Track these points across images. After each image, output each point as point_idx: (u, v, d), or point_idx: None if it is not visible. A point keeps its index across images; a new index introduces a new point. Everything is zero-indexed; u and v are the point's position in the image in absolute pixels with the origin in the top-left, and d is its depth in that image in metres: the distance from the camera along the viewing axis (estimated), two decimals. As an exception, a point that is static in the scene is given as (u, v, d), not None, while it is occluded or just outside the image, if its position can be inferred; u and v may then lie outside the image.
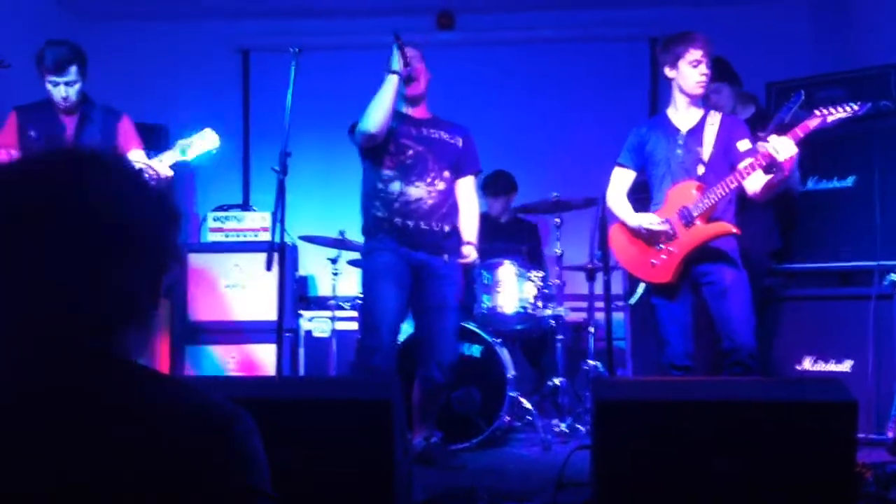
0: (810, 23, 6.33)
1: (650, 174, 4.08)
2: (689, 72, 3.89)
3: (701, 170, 3.89)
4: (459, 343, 4.39)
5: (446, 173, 4.00)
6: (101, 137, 4.22)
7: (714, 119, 3.97)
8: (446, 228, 3.98)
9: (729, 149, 3.90)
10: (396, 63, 3.85)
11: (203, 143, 4.23)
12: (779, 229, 4.61)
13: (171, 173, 4.21)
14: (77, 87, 4.17)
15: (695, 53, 3.87)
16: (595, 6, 6.56)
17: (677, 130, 3.99)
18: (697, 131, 3.96)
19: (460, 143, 4.08)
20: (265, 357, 5.23)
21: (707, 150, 3.91)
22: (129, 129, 4.39)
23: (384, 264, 3.91)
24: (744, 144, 3.88)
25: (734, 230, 3.82)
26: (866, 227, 4.33)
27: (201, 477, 1.00)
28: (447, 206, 4.00)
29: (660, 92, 6.27)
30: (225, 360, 5.35)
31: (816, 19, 6.31)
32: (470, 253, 4.10)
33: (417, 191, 3.91)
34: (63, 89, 4.14)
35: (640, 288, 4.18)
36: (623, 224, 4.11)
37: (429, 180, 3.94)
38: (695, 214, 3.83)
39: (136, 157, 4.27)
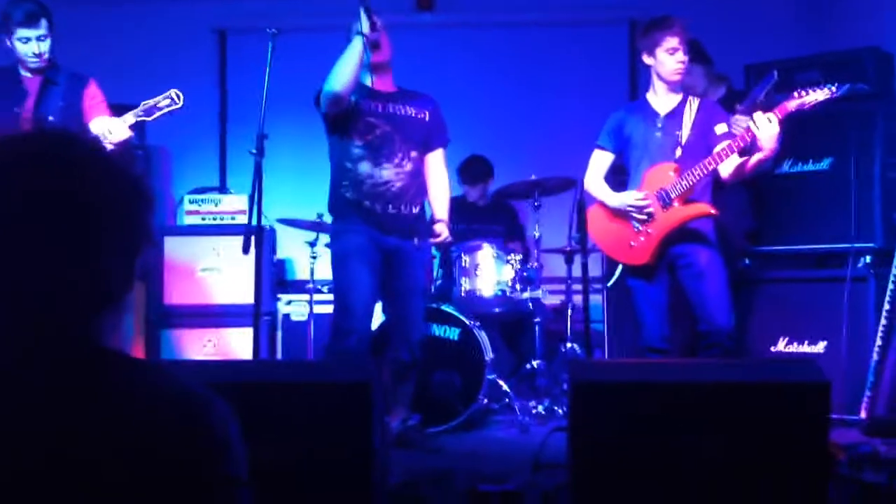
0: (790, 5, 6.34)
1: (628, 157, 4.10)
2: (666, 59, 3.91)
3: (678, 152, 3.92)
4: (438, 326, 4.42)
5: (414, 153, 3.95)
6: (63, 103, 4.10)
7: (693, 104, 4.00)
8: (415, 210, 3.96)
9: (707, 132, 3.93)
10: (364, 25, 3.76)
11: (167, 102, 4.13)
12: (752, 210, 4.64)
13: (129, 133, 4.07)
14: (48, 42, 4.03)
15: (671, 41, 3.88)
16: (574, -12, 6.56)
17: (656, 114, 4.01)
18: (676, 115, 3.98)
19: (427, 117, 4.03)
20: (242, 341, 5.20)
21: (685, 134, 3.94)
22: (95, 94, 4.24)
23: (355, 246, 3.88)
24: (721, 128, 3.92)
25: (712, 211, 3.86)
26: (842, 209, 4.37)
27: (177, 465, 1.00)
28: (415, 186, 3.97)
29: (639, 75, 6.27)
30: (201, 344, 5.33)
31: (797, 2, 6.33)
32: (442, 231, 4.07)
33: (386, 172, 3.87)
34: (35, 45, 4.00)
35: (618, 270, 4.21)
36: (601, 206, 4.12)
37: (397, 161, 3.89)
38: (672, 196, 3.86)
39: (101, 122, 4.11)
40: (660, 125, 3.99)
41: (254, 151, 3.88)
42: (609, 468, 2.36)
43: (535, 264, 4.93)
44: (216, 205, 5.53)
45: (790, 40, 6.04)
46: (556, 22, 6.62)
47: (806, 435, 2.31)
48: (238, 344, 5.25)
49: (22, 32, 3.98)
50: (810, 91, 3.66)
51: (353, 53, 3.77)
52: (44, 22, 4.00)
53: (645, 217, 3.92)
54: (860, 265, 4.35)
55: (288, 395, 2.36)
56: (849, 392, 4.18)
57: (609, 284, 4.63)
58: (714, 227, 3.96)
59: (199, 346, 5.32)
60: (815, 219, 4.49)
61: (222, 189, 5.88)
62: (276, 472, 1.98)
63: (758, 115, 3.66)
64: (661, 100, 4.02)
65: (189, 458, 1.01)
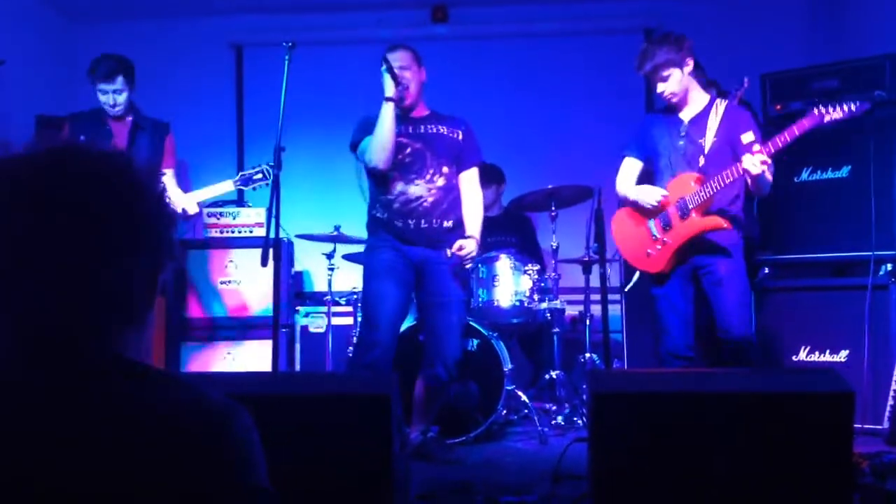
0: (805, 13, 6.32)
1: (654, 165, 4.06)
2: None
3: (701, 161, 3.86)
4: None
5: (445, 168, 3.99)
6: (150, 149, 4.71)
7: (719, 107, 3.92)
8: (446, 224, 3.98)
9: (732, 140, 3.86)
10: (389, 89, 3.85)
11: (259, 176, 4.68)
12: (755, 219, 4.60)
13: (196, 210, 4.66)
14: (125, 95, 4.63)
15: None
16: (589, -2, 6.56)
17: (680, 121, 3.97)
18: (700, 121, 3.92)
19: (460, 136, 4.08)
20: (261, 353, 5.21)
21: (709, 141, 3.88)
22: (171, 145, 4.86)
23: (385, 261, 3.92)
24: (748, 137, 3.83)
25: (724, 224, 3.80)
26: (862, 217, 4.34)
27: (200, 475, 1.00)
28: (448, 201, 3.99)
29: (654, 84, 6.26)
30: (221, 356, 5.34)
31: (811, 9, 6.31)
32: (466, 245, 4.02)
33: (417, 189, 3.91)
34: (111, 97, 4.61)
35: (636, 276, 4.18)
36: (626, 211, 4.10)
37: (428, 177, 3.94)
38: (690, 207, 3.83)
39: (168, 178, 4.75)
40: (683, 133, 3.94)
41: (271, 164, 3.90)
42: (630, 479, 2.34)
43: (553, 275, 4.92)
44: (234, 218, 5.56)
45: (806, 48, 6.03)
46: (571, 32, 6.62)
47: (829, 445, 2.29)
48: (257, 356, 5.27)
49: (101, 86, 4.61)
50: (830, 109, 3.56)
51: (387, 122, 3.84)
52: (120, 79, 4.60)
53: (661, 220, 3.91)
54: (881, 273, 4.32)
55: (307, 408, 2.36)
56: (871, 401, 4.15)
57: (626, 289, 4.58)
58: (739, 238, 3.91)
59: (219, 358, 5.34)
60: (834, 227, 4.46)
61: (240, 202, 5.90)
62: (295, 484, 1.98)
63: (746, 157, 3.63)
64: (686, 104, 3.97)
65: (211, 467, 1.01)
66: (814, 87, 4.60)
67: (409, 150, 3.94)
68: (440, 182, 3.96)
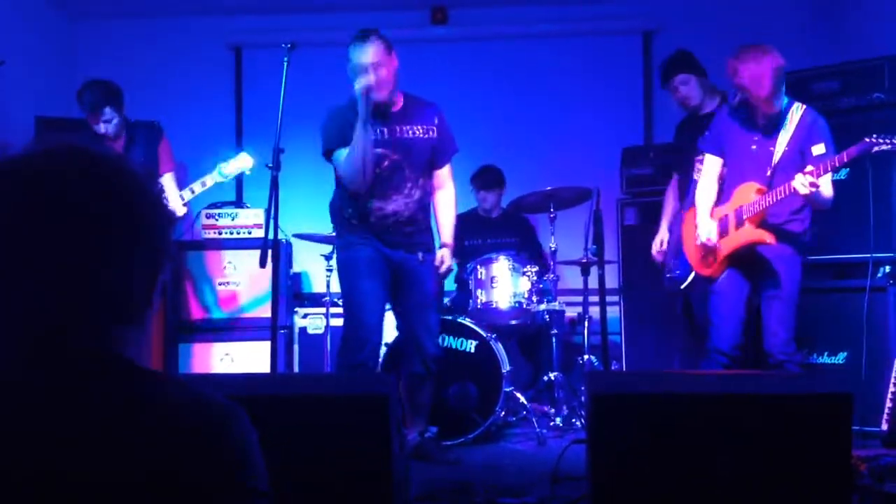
0: (805, 14, 6.32)
1: (727, 165, 3.98)
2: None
3: (769, 172, 3.77)
4: (455, 338, 4.41)
5: (422, 180, 3.94)
6: (144, 156, 4.76)
7: (795, 114, 3.79)
8: (419, 228, 3.97)
9: (804, 150, 3.74)
10: (364, 110, 3.71)
11: (238, 163, 4.86)
12: None
13: (184, 211, 4.79)
14: (114, 121, 4.68)
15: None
16: (588, 0, 6.56)
17: (755, 123, 3.85)
18: (775, 127, 3.81)
19: (435, 133, 3.97)
20: (259, 354, 5.21)
21: (779, 151, 3.77)
22: (166, 149, 4.89)
23: (364, 258, 3.88)
24: (818, 149, 3.70)
25: (767, 240, 3.72)
26: (860, 219, 4.33)
27: (198, 475, 1.00)
28: (423, 211, 3.97)
29: (653, 85, 6.27)
30: (218, 358, 5.34)
31: (811, 10, 6.31)
32: (445, 259, 4.03)
33: (395, 205, 3.87)
34: (102, 126, 4.66)
35: (692, 275, 4.15)
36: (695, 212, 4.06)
37: (406, 191, 3.89)
38: (745, 216, 3.77)
39: (167, 181, 4.81)
40: (756, 137, 3.83)
41: (270, 165, 3.90)
42: (629, 480, 2.34)
43: (552, 276, 4.92)
44: (233, 219, 5.55)
45: (806, 50, 6.02)
46: (571, 33, 6.63)
47: (828, 446, 2.29)
48: (255, 357, 5.26)
49: (90, 116, 4.65)
50: (882, 140, 3.46)
51: (363, 144, 3.73)
52: (106, 110, 4.65)
53: (720, 226, 3.87)
54: (879, 275, 4.32)
55: (306, 408, 2.36)
56: (869, 403, 4.14)
57: (682, 287, 4.48)
58: (795, 252, 3.83)
59: (217, 359, 5.33)
60: (833, 229, 4.46)
61: (239, 203, 5.90)
62: (295, 484, 1.98)
63: (798, 176, 3.53)
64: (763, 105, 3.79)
65: (210, 468, 1.01)
66: (814, 88, 4.60)
67: (386, 162, 3.84)
68: (417, 195, 3.91)
